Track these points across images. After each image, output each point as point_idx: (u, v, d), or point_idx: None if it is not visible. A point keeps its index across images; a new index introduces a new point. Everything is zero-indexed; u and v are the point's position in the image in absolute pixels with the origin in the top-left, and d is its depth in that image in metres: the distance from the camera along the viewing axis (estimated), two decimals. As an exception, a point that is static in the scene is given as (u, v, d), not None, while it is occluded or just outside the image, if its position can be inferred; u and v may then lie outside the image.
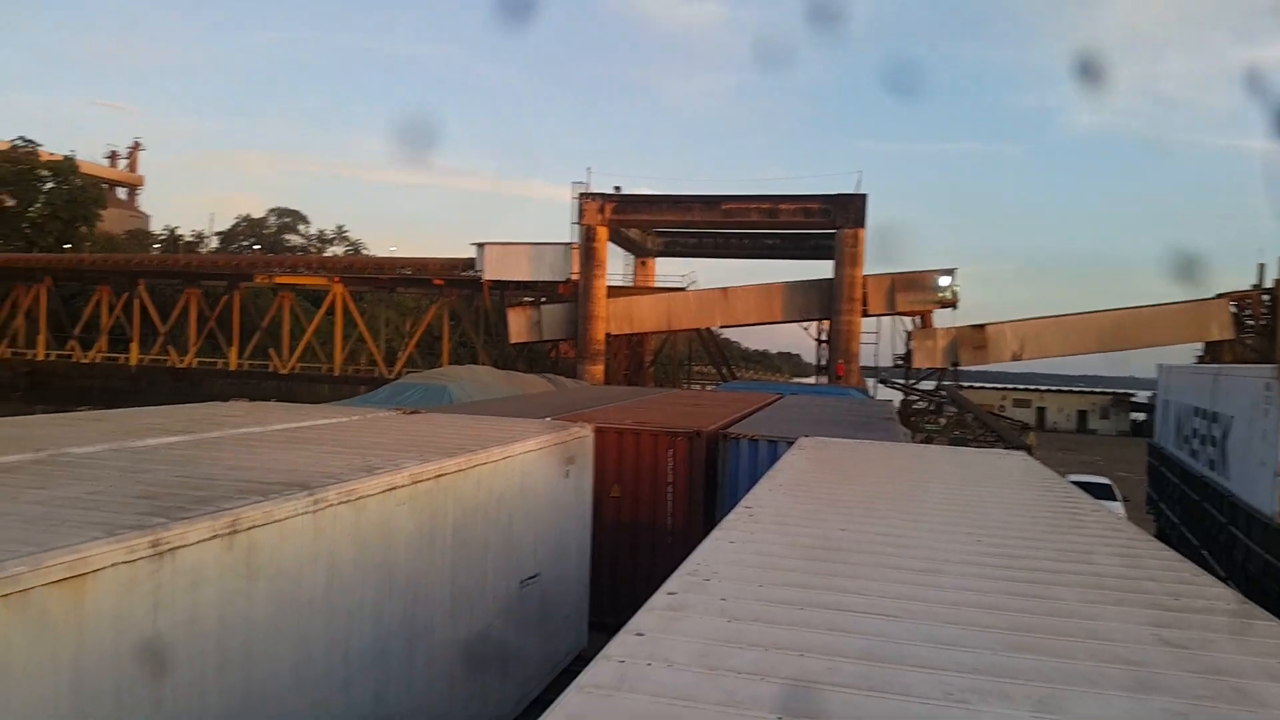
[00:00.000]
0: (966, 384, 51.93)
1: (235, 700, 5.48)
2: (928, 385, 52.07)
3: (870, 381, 49.65)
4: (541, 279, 52.44)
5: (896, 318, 50.57)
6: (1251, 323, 47.54)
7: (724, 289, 51.49)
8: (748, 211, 49.93)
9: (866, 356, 49.35)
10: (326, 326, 58.22)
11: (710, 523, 12.28)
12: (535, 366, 49.11)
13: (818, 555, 5.03)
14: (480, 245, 53.06)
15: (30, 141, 75.18)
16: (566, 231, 51.61)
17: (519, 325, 52.37)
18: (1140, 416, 64.09)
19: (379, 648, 6.99)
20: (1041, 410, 68.42)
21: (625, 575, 12.49)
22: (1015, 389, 70.09)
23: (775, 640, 3.54)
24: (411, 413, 12.80)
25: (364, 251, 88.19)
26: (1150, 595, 4.50)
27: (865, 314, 48.83)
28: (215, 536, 5.31)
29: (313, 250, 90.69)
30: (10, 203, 73.16)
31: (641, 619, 3.69)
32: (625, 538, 12.76)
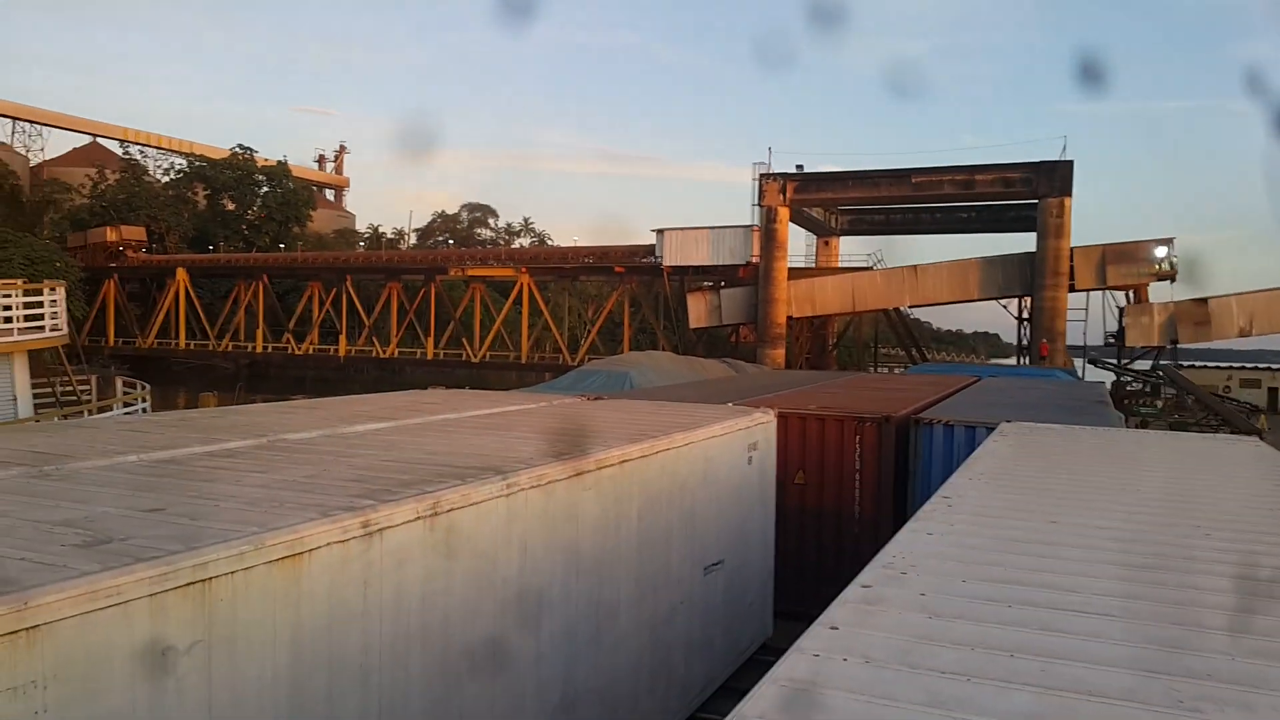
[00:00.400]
0: (1187, 363, 47.71)
1: (434, 675, 5.75)
2: (1143, 365, 48.30)
3: (1078, 362, 46.51)
4: (721, 263, 52.34)
5: (1107, 293, 47.14)
6: None
7: (914, 266, 49.59)
8: (940, 184, 47.78)
9: (1073, 335, 46.27)
10: (514, 316, 60.56)
11: (900, 512, 11.96)
12: (715, 351, 49.13)
13: (1025, 549, 4.75)
14: (660, 231, 53.55)
15: (248, 149, 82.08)
16: (747, 214, 51.28)
17: (698, 310, 52.51)
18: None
19: (568, 628, 7.17)
20: (1274, 391, 62.01)
21: (810, 564, 12.29)
22: (1243, 368, 63.90)
23: (982, 639, 3.35)
24: (594, 399, 13.06)
25: (549, 242, 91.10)
26: None
27: (1072, 289, 45.81)
28: (419, 518, 5.57)
29: (502, 243, 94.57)
30: (231, 206, 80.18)
31: (835, 612, 3.58)
32: (810, 526, 12.54)
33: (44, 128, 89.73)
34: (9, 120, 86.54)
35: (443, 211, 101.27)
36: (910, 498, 12.16)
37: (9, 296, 19.94)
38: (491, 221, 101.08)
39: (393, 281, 64.28)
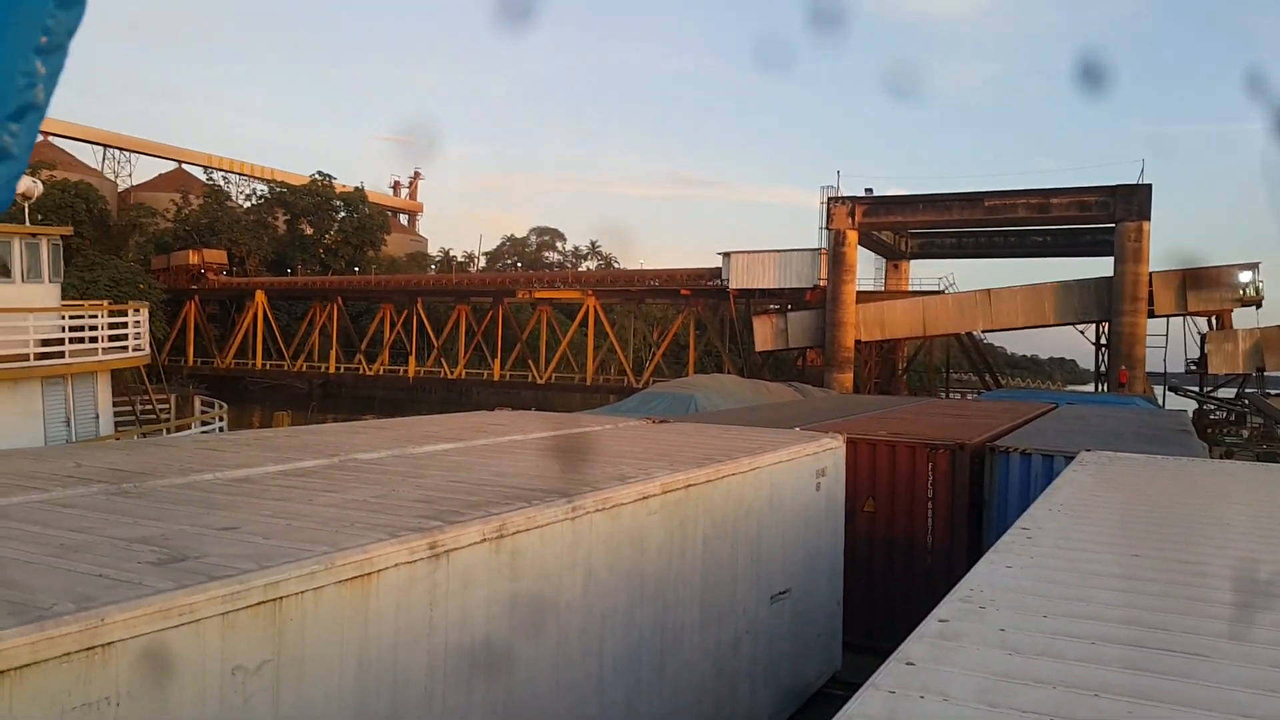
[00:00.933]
0: (1275, 391, 45.82)
1: (498, 698, 5.72)
2: (1227, 393, 46.51)
3: (1157, 389, 45.02)
4: (788, 286, 52.07)
5: (1188, 318, 45.64)
6: None
7: (987, 290, 48.69)
8: (1014, 207, 46.90)
9: (1153, 361, 44.84)
10: (579, 338, 60.93)
11: (975, 543, 11.65)
12: (781, 375, 48.80)
13: (1108, 584, 4.59)
14: (726, 254, 53.52)
15: (327, 175, 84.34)
16: (813, 238, 50.97)
17: (765, 333, 52.22)
18: None
19: (632, 654, 7.09)
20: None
21: (880, 595, 12.00)
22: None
23: (1064, 677, 3.22)
24: (660, 422, 13.00)
25: (615, 265, 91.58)
26: None
27: (1151, 314, 44.47)
28: (485, 540, 5.58)
29: (568, 265, 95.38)
30: (309, 231, 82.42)
31: (911, 647, 3.48)
32: (880, 555, 12.27)
33: (132, 154, 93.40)
34: (100, 147, 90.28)
35: (511, 235, 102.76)
36: (985, 528, 11.85)
37: (95, 317, 20.70)
38: (559, 244, 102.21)
39: (461, 304, 65.29)
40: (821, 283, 50.13)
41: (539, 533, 6.07)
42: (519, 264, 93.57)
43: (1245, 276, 43.88)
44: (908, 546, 12.24)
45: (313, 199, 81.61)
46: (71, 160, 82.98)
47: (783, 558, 9.64)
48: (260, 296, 70.06)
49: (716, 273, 54.28)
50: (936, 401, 29.06)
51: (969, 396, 46.12)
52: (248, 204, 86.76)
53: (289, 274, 79.40)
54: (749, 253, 52.98)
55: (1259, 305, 43.96)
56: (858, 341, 49.51)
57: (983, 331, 52.76)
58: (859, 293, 50.13)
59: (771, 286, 52.63)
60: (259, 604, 4.15)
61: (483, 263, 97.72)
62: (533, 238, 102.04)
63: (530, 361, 61.62)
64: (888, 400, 25.75)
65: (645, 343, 66.39)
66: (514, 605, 5.90)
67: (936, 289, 51.94)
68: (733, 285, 52.94)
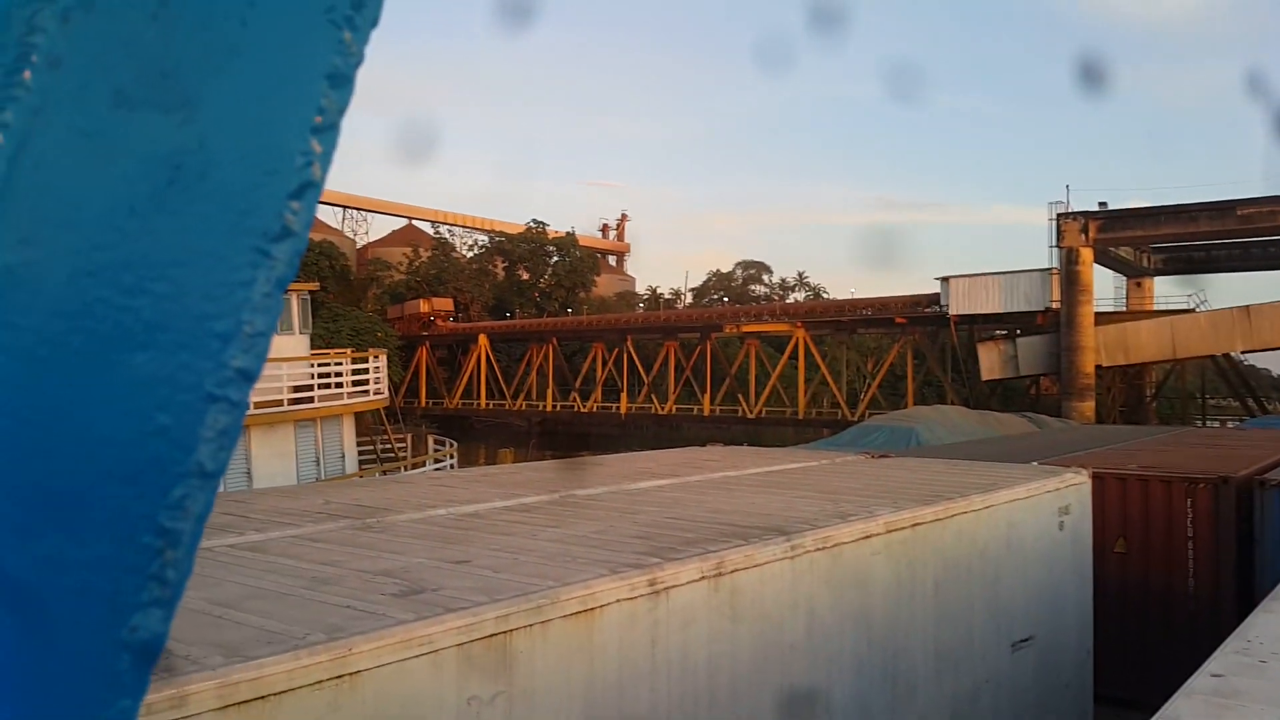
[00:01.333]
0: None
1: (724, 741, 5.59)
2: None
3: None
4: (1015, 310, 49.32)
5: None
6: None
7: (1245, 307, 44.10)
8: (1273, 214, 42.28)
9: None
10: (789, 371, 60.26)
11: (1245, 587, 10.47)
12: (1011, 405, 46.07)
13: None
14: (944, 279, 51.46)
15: (540, 223, 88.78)
16: (1038, 257, 48.16)
17: (991, 361, 49.57)
18: None
19: (861, 700, 6.78)
20: None
21: (1134, 644, 10.96)
22: None
23: None
24: (880, 456, 12.51)
25: (824, 295, 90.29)
26: None
27: None
28: (703, 578, 5.51)
29: (775, 298, 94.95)
30: (525, 276, 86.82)
31: (1181, 704, 3.15)
32: (1133, 600, 11.24)
33: (368, 213, 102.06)
34: (340, 208, 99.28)
35: (717, 270, 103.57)
36: (1256, 572, 10.65)
37: (339, 365, 22.59)
38: (765, 277, 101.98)
39: (670, 340, 66.37)
40: (1054, 305, 47.09)
41: (757, 571, 5.94)
42: (725, 299, 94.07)
43: None
44: (1165, 592, 11.19)
45: (528, 245, 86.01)
46: (315, 221, 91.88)
47: (1024, 603, 8.97)
48: (483, 340, 74.36)
49: (934, 299, 52.24)
50: (1192, 431, 26.43)
51: (1229, 424, 41.75)
52: (470, 254, 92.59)
53: (508, 317, 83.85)
54: (970, 276, 50.70)
55: None
56: (1098, 367, 45.98)
57: (1242, 352, 47.75)
58: (1097, 314, 46.71)
59: (996, 311, 50.04)
60: (491, 636, 4.25)
61: (689, 299, 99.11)
62: (738, 271, 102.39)
63: (740, 396, 61.58)
64: (1136, 430, 23.70)
65: (859, 374, 64.73)
66: (734, 646, 5.78)
67: (1186, 307, 47.54)
68: (953, 311, 50.73)
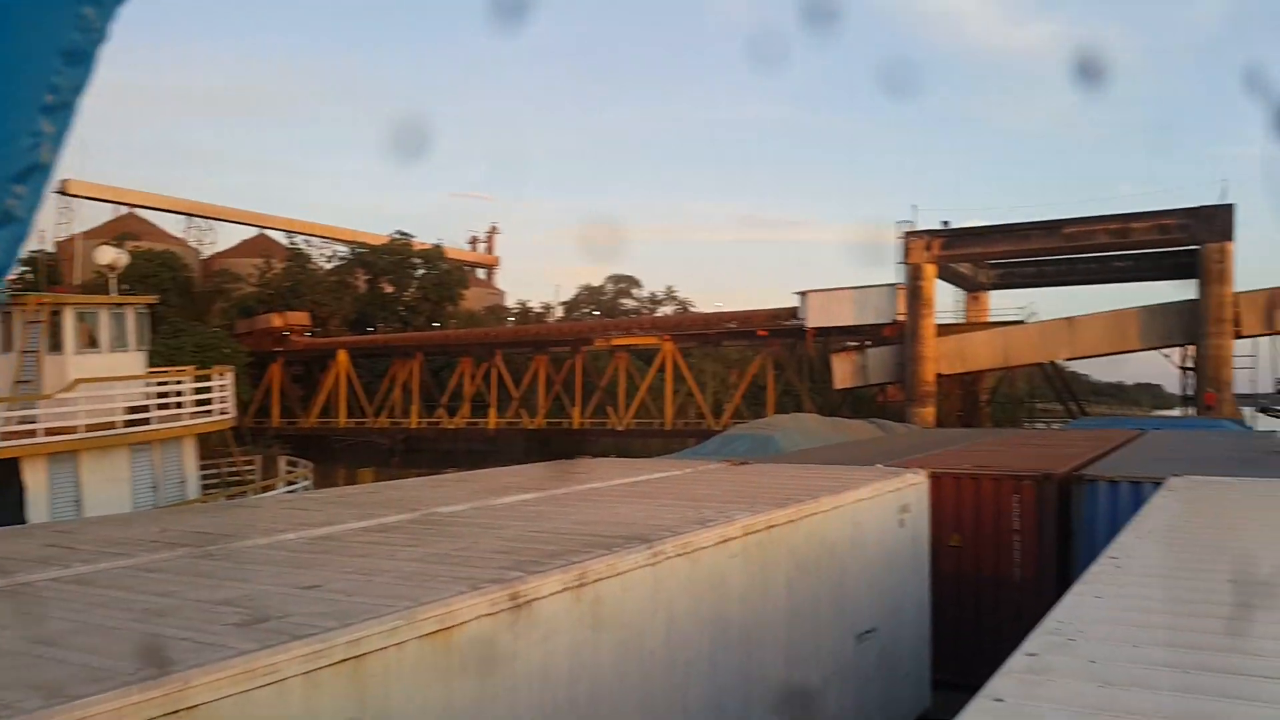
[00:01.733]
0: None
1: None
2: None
3: (1247, 411, 43.22)
4: (866, 322, 51.45)
5: (1277, 338, 43.80)
6: None
7: (1069, 318, 47.49)
8: (1094, 233, 45.83)
9: (1242, 383, 43.08)
10: (658, 383, 60.98)
11: (1064, 575, 11.26)
12: (861, 412, 47.98)
13: (1201, 612, 4.48)
14: (802, 293, 53.20)
15: (405, 234, 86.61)
16: (890, 273, 50.39)
17: (843, 371, 51.60)
18: None
19: (716, 700, 6.99)
20: None
21: (968, 631, 11.67)
22: None
23: (1157, 708, 3.18)
24: (740, 464, 12.91)
25: (691, 309, 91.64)
26: None
27: (1238, 336, 42.83)
28: (565, 589, 5.58)
29: (645, 312, 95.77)
30: (389, 289, 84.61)
31: (999, 683, 3.42)
32: (967, 590, 11.97)
33: (215, 222, 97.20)
34: (183, 216, 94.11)
35: (588, 284, 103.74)
36: (1074, 560, 11.48)
37: (179, 384, 21.39)
38: (635, 291, 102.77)
39: (540, 354, 66.03)
40: (900, 317, 49.43)
41: (620, 580, 6.06)
42: (596, 312, 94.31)
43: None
44: (995, 581, 11.94)
45: (392, 258, 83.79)
46: (155, 230, 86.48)
47: (868, 596, 9.45)
48: (343, 356, 71.96)
49: (793, 312, 53.92)
50: (1021, 432, 28.25)
51: (1054, 426, 44.75)
52: (329, 265, 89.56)
53: (370, 332, 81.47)
54: (825, 290, 52.59)
55: None
56: (939, 375, 48.56)
57: (1066, 360, 51.34)
58: (938, 326, 49.28)
59: (849, 323, 52.07)
60: (342, 661, 4.18)
61: (560, 313, 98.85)
62: (609, 285, 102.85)
63: (609, 409, 61.85)
64: (971, 433, 25.16)
65: (724, 385, 66.10)
66: (596, 655, 5.88)
67: (1018, 320, 50.74)
68: (810, 324, 52.49)
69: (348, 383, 71.30)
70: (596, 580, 5.84)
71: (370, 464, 57.51)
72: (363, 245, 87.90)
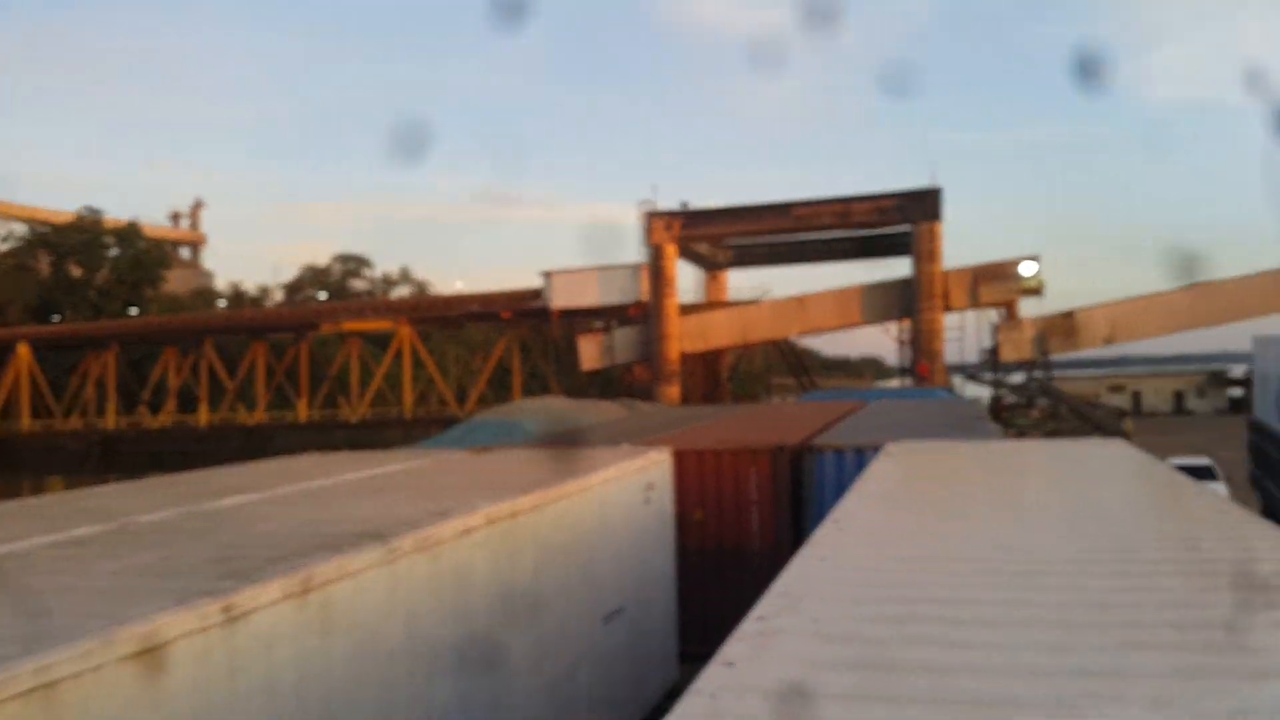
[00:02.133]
0: (1059, 374, 50.29)
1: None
2: (1018, 379, 50.59)
3: (956, 379, 48.60)
4: (611, 303, 52.57)
5: (981, 311, 49.46)
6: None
7: (799, 297, 51.04)
8: (820, 215, 49.48)
9: (952, 354, 48.34)
10: (395, 370, 59.09)
11: (799, 542, 11.87)
12: (609, 393, 49.10)
13: (915, 567, 4.84)
14: (547, 274, 53.42)
15: (94, 210, 78.03)
16: (634, 253, 51.70)
17: (590, 352, 52.48)
18: (1237, 392, 61.08)
19: (463, 697, 6.79)
20: (1137, 394, 65.75)
21: (714, 602, 12.10)
22: (1111, 375, 67.59)
23: (876, 659, 3.35)
24: (483, 451, 12.66)
25: (430, 291, 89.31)
26: (1263, 578, 4.35)
27: (947, 310, 47.85)
28: (288, 597, 5.18)
29: (379, 294, 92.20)
30: (78, 272, 75.84)
31: (732, 648, 3.49)
32: (711, 563, 12.41)
33: None
34: None
35: (312, 265, 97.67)
36: (808, 525, 12.16)
37: None
38: (366, 272, 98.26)
39: (258, 341, 61.95)
40: (644, 298, 50.88)
41: (351, 581, 5.69)
42: (324, 295, 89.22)
43: (1028, 269, 48.00)
44: (737, 551, 12.45)
45: (80, 237, 75.14)
46: None
47: (616, 577, 9.55)
48: (23, 349, 64.03)
49: (538, 293, 54.04)
50: (759, 407, 30.00)
51: (789, 400, 48.00)
52: (3, 246, 78.89)
53: (56, 321, 72.67)
54: (569, 271, 53.11)
55: (1040, 294, 48.22)
56: (683, 354, 50.59)
57: (798, 335, 55.18)
58: (681, 305, 51.30)
59: (594, 304, 52.98)
60: (30, 691, 3.71)
61: (280, 296, 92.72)
62: (336, 266, 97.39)
63: (341, 399, 59.21)
64: (714, 410, 26.29)
65: (468, 370, 65.23)
66: (328, 663, 5.49)
67: (754, 299, 53.79)
68: (555, 305, 52.89)
69: (30, 380, 63.36)
70: (325, 584, 5.45)
71: (60, 471, 51.45)
72: (45, 224, 78.08)
